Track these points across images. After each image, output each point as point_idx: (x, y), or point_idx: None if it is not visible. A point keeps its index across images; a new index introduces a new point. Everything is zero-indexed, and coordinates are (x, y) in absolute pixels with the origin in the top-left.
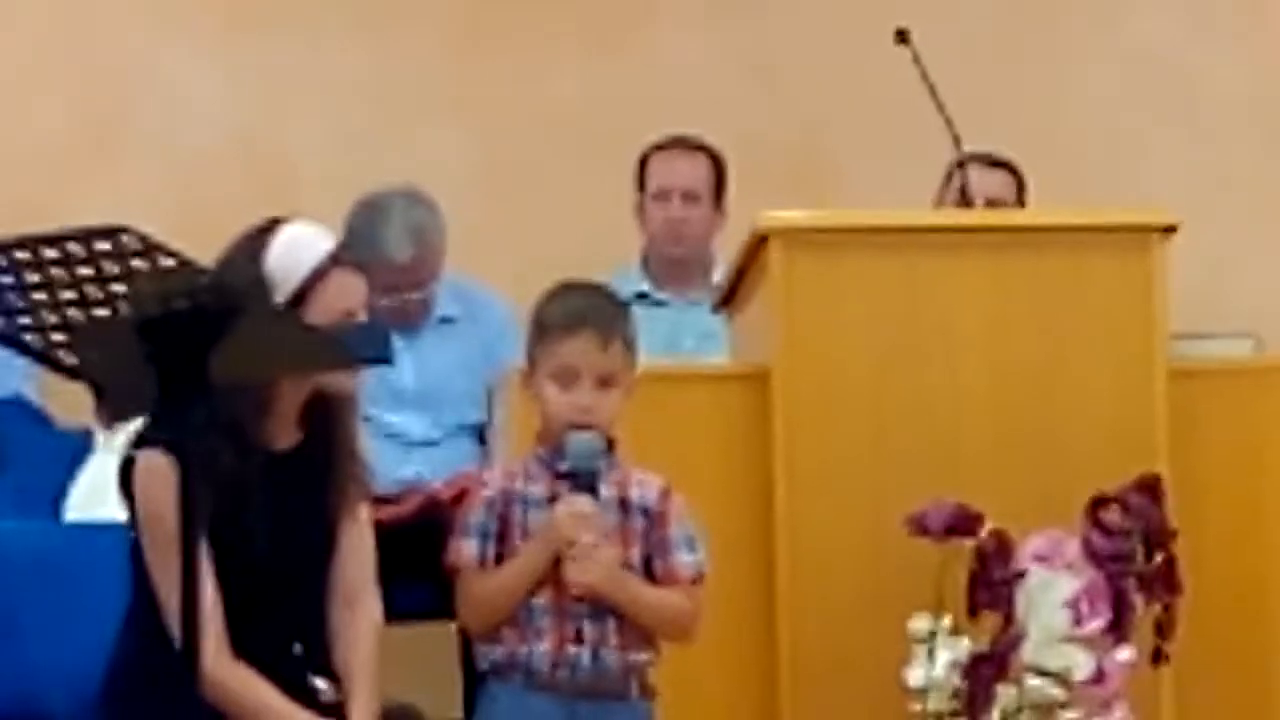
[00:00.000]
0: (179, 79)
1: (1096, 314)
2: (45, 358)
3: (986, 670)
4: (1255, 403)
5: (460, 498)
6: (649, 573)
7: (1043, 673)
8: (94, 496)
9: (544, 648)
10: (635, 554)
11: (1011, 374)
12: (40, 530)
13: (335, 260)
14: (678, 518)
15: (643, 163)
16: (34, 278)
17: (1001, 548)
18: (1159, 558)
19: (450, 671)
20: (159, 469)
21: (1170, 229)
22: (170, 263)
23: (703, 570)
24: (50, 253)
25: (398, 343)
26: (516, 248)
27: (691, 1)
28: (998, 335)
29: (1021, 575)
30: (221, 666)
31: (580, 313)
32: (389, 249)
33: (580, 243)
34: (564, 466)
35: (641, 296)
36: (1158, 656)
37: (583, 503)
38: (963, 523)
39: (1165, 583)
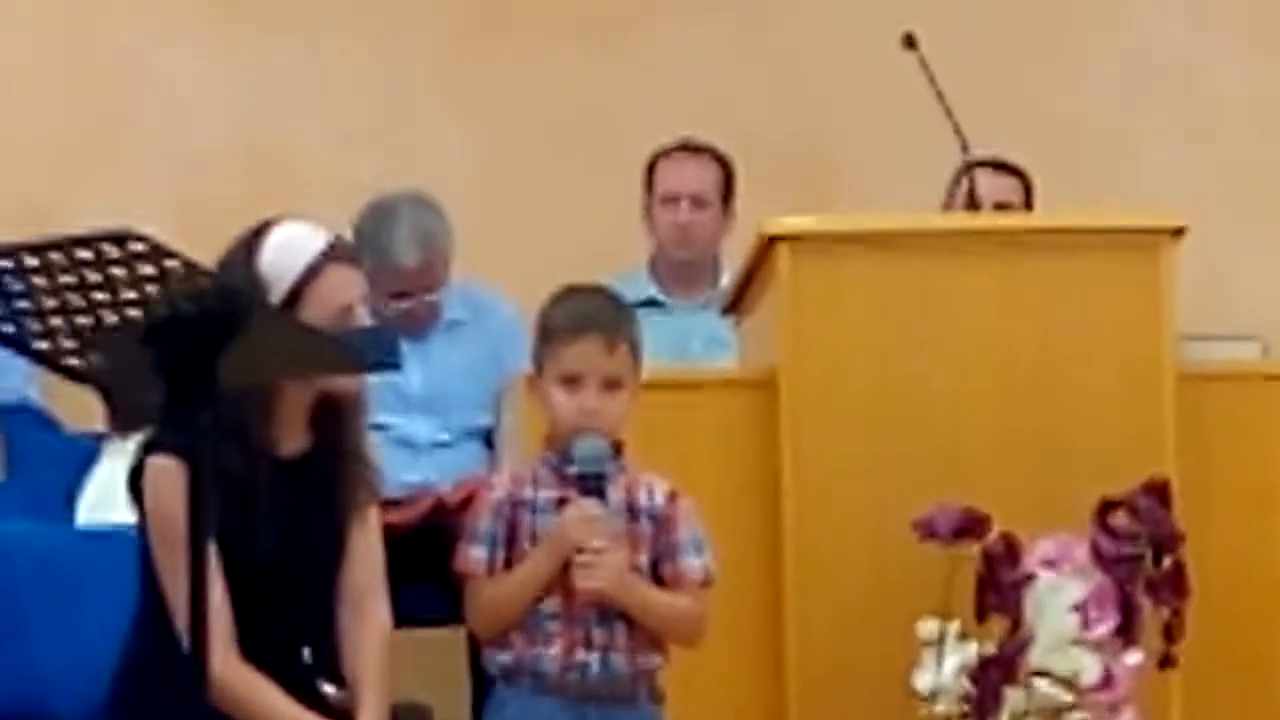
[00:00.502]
0: (180, 79)
1: (1105, 317)
2: (52, 362)
3: (994, 674)
4: (1264, 407)
5: (468, 502)
6: (657, 576)
7: (1051, 676)
8: (104, 500)
9: (553, 652)
10: (643, 558)
11: (1019, 378)
12: (49, 533)
13: (329, 255)
14: (686, 521)
15: (650, 167)
16: (40, 282)
17: (1009, 551)
18: (1167, 562)
19: (459, 676)
20: (169, 473)
21: (1179, 231)
22: (176, 267)
23: (711, 574)
24: (57, 257)
25: (405, 347)
26: (519, 249)
27: (697, 1)
28: (1006, 339)
29: (1029, 579)
30: (230, 670)
31: (585, 316)
32: (397, 254)
33: (584, 244)
34: (572, 470)
35: (649, 301)
36: (1166, 660)
37: (591, 506)
38: (971, 526)
39: (1173, 587)
